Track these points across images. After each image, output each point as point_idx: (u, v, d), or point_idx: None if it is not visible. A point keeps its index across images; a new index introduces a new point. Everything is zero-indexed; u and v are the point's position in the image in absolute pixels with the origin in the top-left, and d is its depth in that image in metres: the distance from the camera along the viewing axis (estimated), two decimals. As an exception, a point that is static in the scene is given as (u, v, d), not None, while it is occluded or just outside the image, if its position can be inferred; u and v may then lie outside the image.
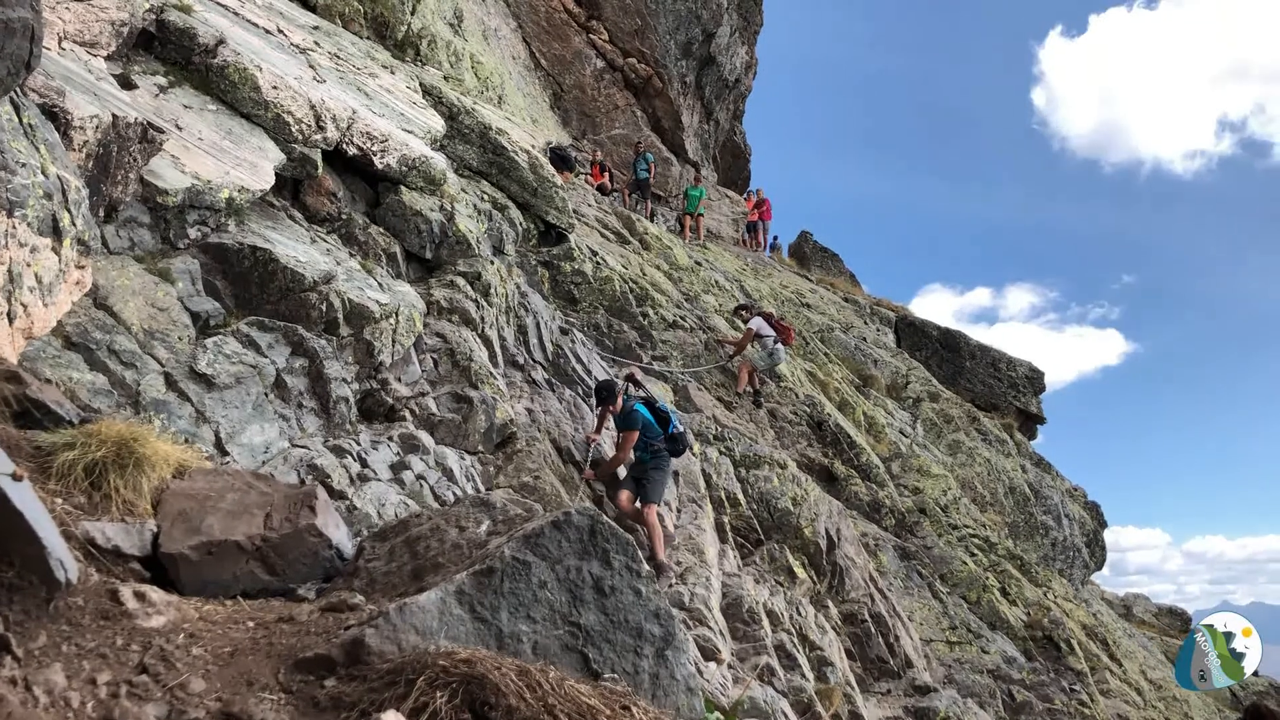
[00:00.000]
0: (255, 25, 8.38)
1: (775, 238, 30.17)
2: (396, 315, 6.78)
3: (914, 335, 25.94)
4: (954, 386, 23.70)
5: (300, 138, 7.21)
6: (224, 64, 6.83)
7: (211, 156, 6.08)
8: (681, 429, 8.67)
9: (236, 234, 5.97)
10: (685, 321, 13.85)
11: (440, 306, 7.98)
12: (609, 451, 8.63)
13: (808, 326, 20.13)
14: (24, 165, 3.81)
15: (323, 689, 1.92)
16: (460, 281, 8.41)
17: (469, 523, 2.73)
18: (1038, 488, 20.51)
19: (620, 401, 8.46)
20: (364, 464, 5.78)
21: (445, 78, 13.44)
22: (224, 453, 4.94)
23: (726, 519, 9.98)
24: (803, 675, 7.92)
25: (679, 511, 9.22)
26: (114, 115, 4.94)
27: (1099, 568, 23.06)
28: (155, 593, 2.22)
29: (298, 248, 6.42)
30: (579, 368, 9.94)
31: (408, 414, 6.67)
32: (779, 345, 13.87)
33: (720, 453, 11.02)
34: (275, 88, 7.06)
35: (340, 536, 2.87)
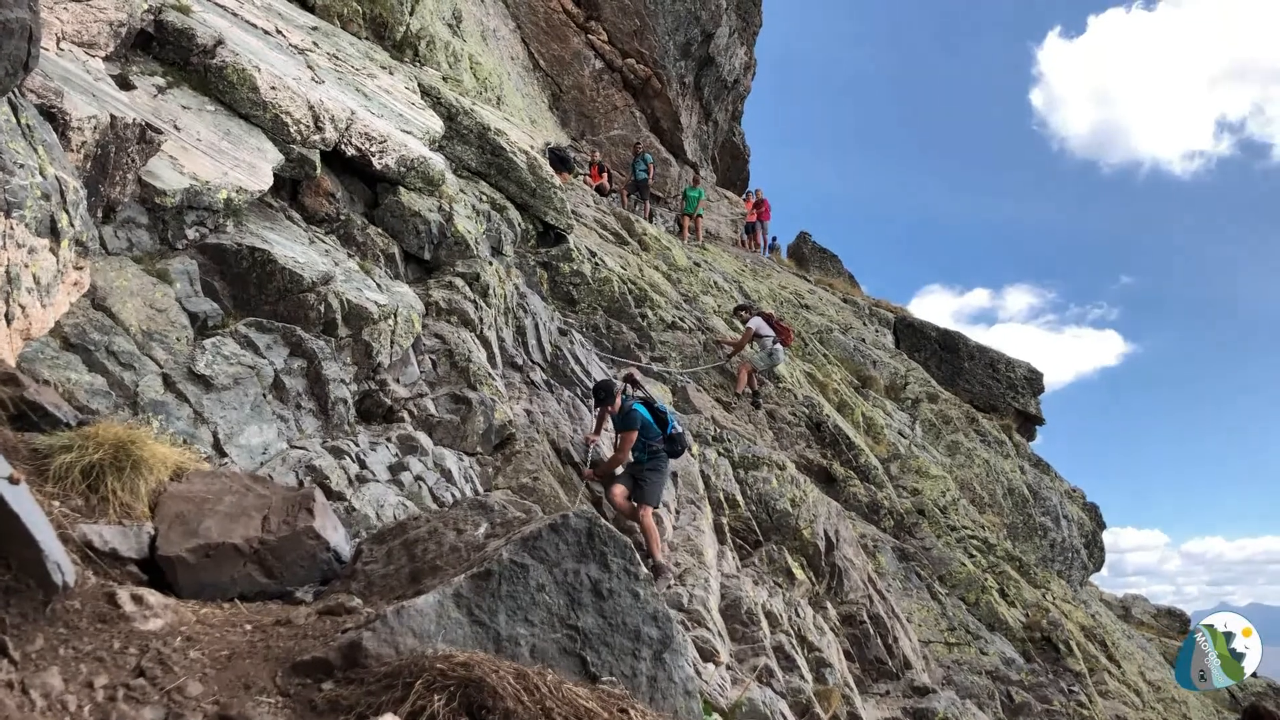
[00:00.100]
0: (254, 26, 8.38)
1: (774, 238, 30.20)
2: (395, 316, 6.78)
3: (913, 336, 25.95)
4: (953, 387, 23.71)
5: (299, 138, 7.21)
6: (222, 65, 6.82)
7: (210, 157, 6.08)
8: (680, 430, 8.66)
9: (235, 235, 5.97)
10: (684, 322, 13.85)
11: (439, 307, 7.98)
12: (607, 452, 8.62)
13: (806, 327, 20.13)
14: (22, 166, 3.81)
15: (320, 692, 1.92)
16: (459, 282, 8.41)
17: (467, 525, 2.72)
18: (1036, 489, 20.52)
19: (619, 402, 8.45)
20: (362, 465, 5.77)
21: (444, 78, 13.44)
22: (222, 454, 4.93)
23: (725, 520, 9.98)
24: (801, 676, 7.91)
25: (677, 513, 9.22)
26: (112, 116, 4.93)
27: (1098, 569, 23.08)
28: (152, 596, 2.22)
29: (296, 248, 6.41)
30: (578, 369, 9.94)
31: (406, 415, 6.67)
32: (778, 346, 13.88)
33: (719, 454, 11.02)
34: (274, 88, 7.06)
35: (338, 539, 2.87)
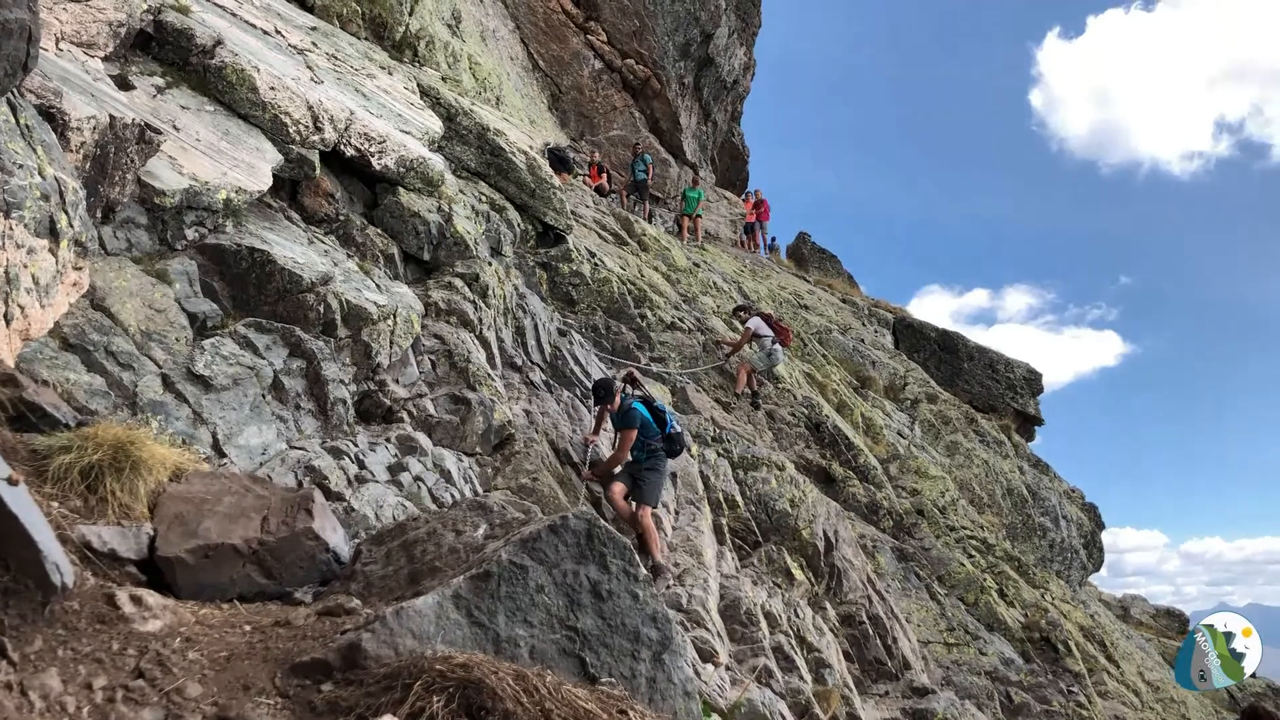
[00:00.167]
0: (253, 26, 8.37)
1: (773, 239, 30.20)
2: (394, 316, 6.77)
3: (912, 336, 25.96)
4: (952, 388, 23.72)
5: (298, 139, 7.20)
6: (222, 65, 6.82)
7: (209, 157, 6.08)
8: (678, 429, 8.66)
9: (234, 235, 5.96)
10: (683, 323, 13.85)
11: (438, 308, 7.98)
12: (606, 453, 8.62)
13: (806, 328, 20.14)
14: (21, 166, 3.80)
15: (319, 693, 1.92)
16: (458, 283, 8.41)
17: (466, 526, 2.72)
18: (1035, 489, 20.53)
19: (618, 400, 8.45)
20: (361, 465, 5.77)
21: (443, 78, 13.44)
22: (221, 454, 4.93)
23: (724, 520, 9.98)
24: (800, 677, 7.91)
25: (677, 513, 9.22)
26: (111, 116, 4.93)
27: (1097, 569, 23.08)
28: (151, 597, 2.22)
29: (295, 249, 6.41)
30: (577, 369, 9.94)
31: (405, 415, 6.66)
32: (777, 346, 13.88)
33: (718, 454, 11.02)
34: (273, 88, 7.06)
35: (337, 540, 2.87)
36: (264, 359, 5.54)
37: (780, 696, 7.37)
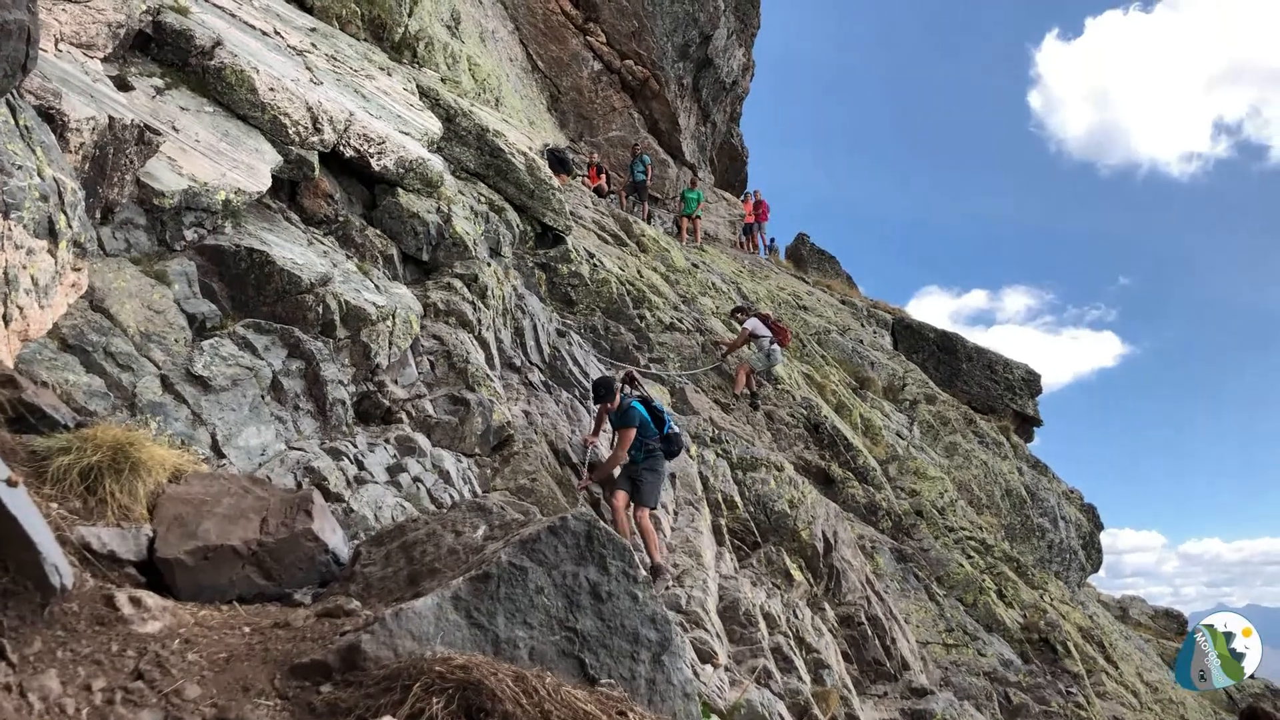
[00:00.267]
0: (252, 27, 8.37)
1: (772, 240, 30.22)
2: (393, 317, 6.77)
3: (911, 337, 25.98)
4: (951, 389, 23.73)
5: (297, 140, 7.20)
6: (221, 66, 6.82)
7: (208, 158, 6.08)
8: (677, 430, 8.66)
9: (233, 236, 5.96)
10: (682, 324, 13.86)
11: (437, 308, 7.98)
12: (606, 454, 8.62)
13: (805, 328, 20.14)
14: (20, 167, 3.80)
15: (319, 695, 1.92)
16: (457, 284, 8.41)
17: (465, 527, 2.72)
18: (1034, 490, 20.53)
19: (618, 399, 8.45)
20: (360, 466, 5.77)
21: (442, 79, 13.44)
22: (220, 455, 4.93)
23: (723, 521, 9.98)
24: (799, 678, 7.92)
25: (676, 514, 9.22)
26: (110, 117, 4.93)
27: (1095, 570, 23.09)
28: (151, 598, 2.22)
29: (294, 250, 6.41)
30: (576, 370, 9.94)
31: (404, 416, 6.66)
32: (775, 347, 13.89)
33: (717, 455, 11.02)
34: (272, 89, 7.05)
35: (336, 541, 2.87)
36: (263, 360, 5.54)
37: (779, 697, 7.38)
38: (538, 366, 9.44)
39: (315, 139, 7.42)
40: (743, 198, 29.68)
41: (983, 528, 16.16)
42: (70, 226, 4.19)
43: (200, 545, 2.58)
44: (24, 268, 3.86)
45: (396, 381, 6.90)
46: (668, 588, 7.68)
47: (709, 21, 27.46)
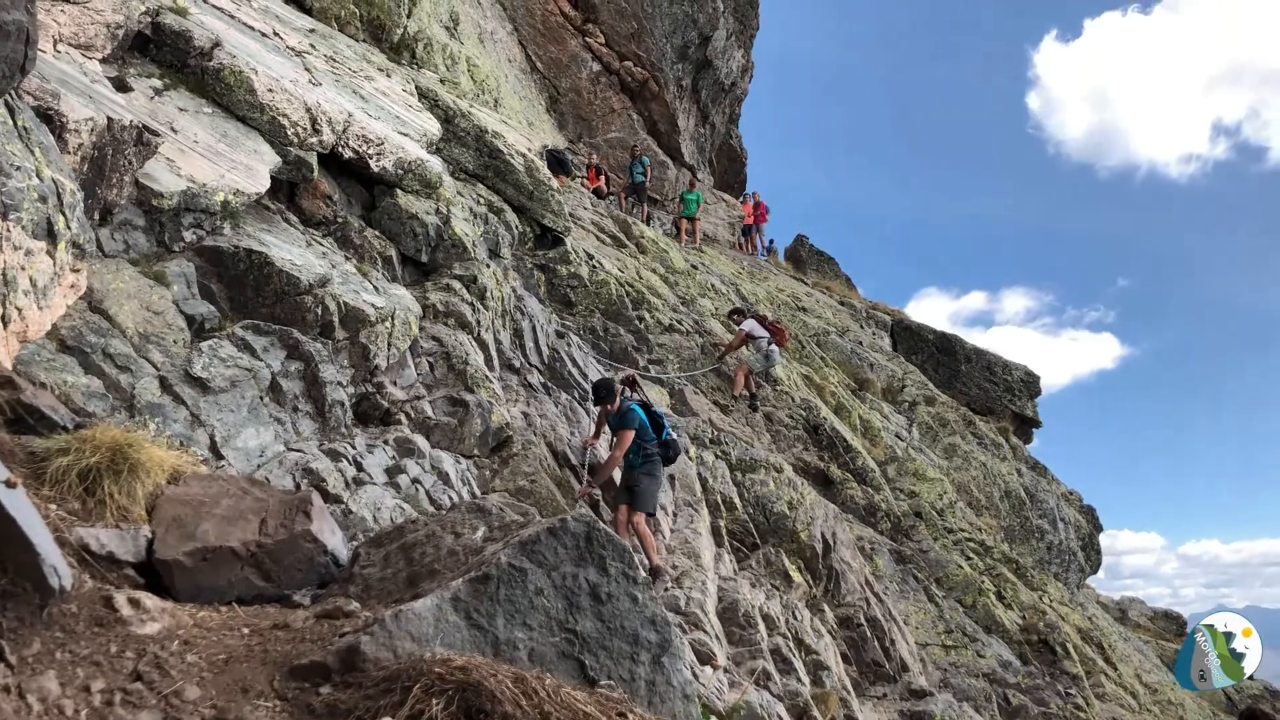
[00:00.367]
0: (251, 28, 8.37)
1: (771, 241, 30.22)
2: (392, 318, 6.77)
3: (910, 339, 25.98)
4: (950, 390, 23.73)
5: (296, 141, 7.20)
6: (220, 67, 6.82)
7: (207, 159, 6.07)
8: (675, 436, 8.65)
9: (232, 237, 5.96)
10: (681, 325, 13.86)
11: (436, 310, 7.97)
12: (606, 456, 8.62)
13: (804, 330, 20.15)
14: (19, 168, 3.80)
15: (318, 696, 1.91)
16: (456, 285, 8.40)
17: (465, 529, 2.72)
18: (1033, 491, 20.54)
19: (618, 402, 8.44)
20: (359, 468, 5.76)
21: (441, 80, 13.45)
22: (219, 456, 4.93)
23: (723, 523, 9.98)
24: (799, 679, 7.91)
25: (675, 515, 9.22)
26: (109, 118, 4.93)
27: (1094, 571, 23.09)
28: (150, 599, 2.21)
29: (293, 251, 6.41)
30: (575, 371, 9.94)
31: (403, 417, 6.66)
32: (773, 347, 13.89)
33: (716, 456, 11.02)
34: (271, 90, 7.05)
35: (335, 542, 2.86)
36: (262, 361, 5.53)
37: (778, 699, 7.37)
38: (537, 368, 9.44)
39: (314, 140, 7.41)
40: (742, 199, 29.69)
41: (982, 529, 16.16)
42: (69, 228, 4.18)
43: (199, 546, 2.57)
44: (23, 269, 3.86)
45: (395, 383, 6.90)
46: (666, 589, 7.67)
47: (708, 23, 27.47)
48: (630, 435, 8.13)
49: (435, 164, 9.09)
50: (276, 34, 8.82)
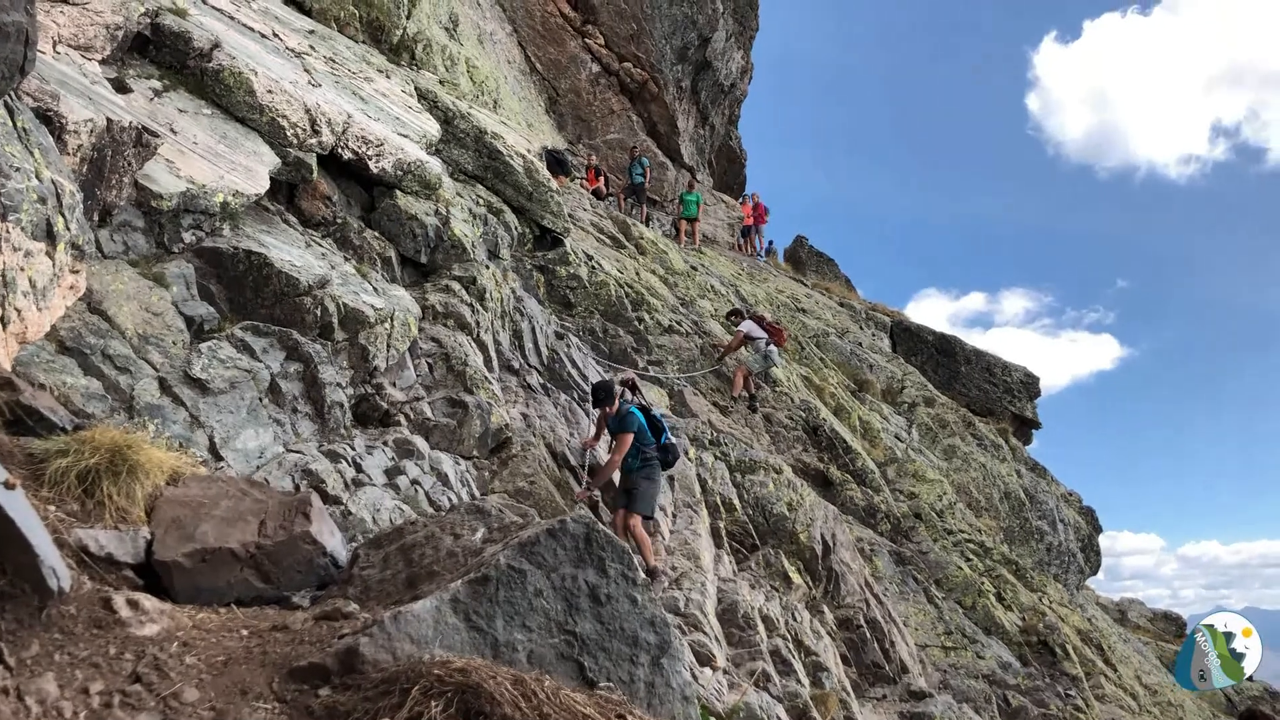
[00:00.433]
0: (250, 29, 8.37)
1: (770, 242, 30.21)
2: (391, 320, 6.77)
3: (909, 340, 25.98)
4: (949, 391, 23.73)
5: (295, 142, 7.20)
6: (219, 68, 6.82)
7: (206, 160, 6.07)
8: (674, 440, 8.64)
9: (231, 238, 5.96)
10: (681, 326, 13.86)
11: (435, 311, 7.97)
12: (605, 458, 8.62)
13: (803, 331, 20.14)
14: (18, 169, 3.80)
15: (317, 698, 1.91)
16: (455, 286, 8.40)
17: (464, 530, 2.72)
18: (1033, 493, 20.53)
19: (617, 404, 8.44)
20: (359, 469, 5.76)
21: (441, 82, 13.45)
22: (218, 458, 4.92)
23: (722, 524, 9.98)
24: (798, 680, 7.91)
25: (674, 517, 9.22)
26: (109, 119, 4.93)
27: (1094, 573, 23.08)
28: (149, 601, 2.21)
29: (292, 252, 6.41)
30: (574, 372, 9.94)
31: (402, 419, 6.66)
32: (772, 348, 13.89)
33: (716, 457, 11.02)
34: (270, 91, 7.05)
35: (335, 544, 2.86)
36: (261, 362, 5.53)
37: (778, 700, 7.37)
38: (536, 369, 9.43)
39: (313, 141, 7.41)
40: (741, 200, 29.70)
41: (981, 530, 16.15)
42: (68, 229, 4.18)
43: (198, 548, 2.57)
44: (22, 270, 3.85)
45: (395, 384, 6.89)
46: (664, 590, 7.67)
47: (707, 24, 27.48)
48: (629, 439, 8.13)
49: (435, 165, 9.09)
50: (276, 35, 8.82)
